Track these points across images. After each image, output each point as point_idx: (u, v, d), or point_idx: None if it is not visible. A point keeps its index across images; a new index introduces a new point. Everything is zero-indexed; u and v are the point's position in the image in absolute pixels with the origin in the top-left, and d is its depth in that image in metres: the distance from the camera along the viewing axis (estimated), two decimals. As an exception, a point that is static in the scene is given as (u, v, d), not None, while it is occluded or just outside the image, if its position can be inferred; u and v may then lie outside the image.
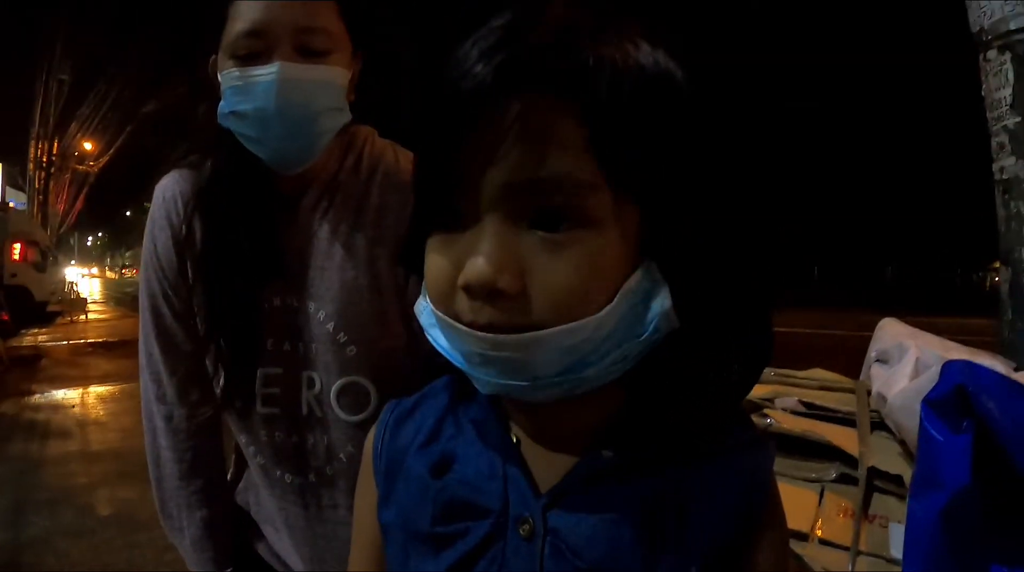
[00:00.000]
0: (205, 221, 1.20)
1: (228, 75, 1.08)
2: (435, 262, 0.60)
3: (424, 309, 0.64)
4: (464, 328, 0.57)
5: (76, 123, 26.74)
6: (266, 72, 1.05)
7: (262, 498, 1.33)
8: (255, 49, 1.06)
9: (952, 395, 1.18)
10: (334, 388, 1.19)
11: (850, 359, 2.15)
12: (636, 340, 0.58)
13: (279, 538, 1.33)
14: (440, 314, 0.60)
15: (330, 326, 1.18)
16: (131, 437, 6.25)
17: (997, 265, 2.32)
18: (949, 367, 1.23)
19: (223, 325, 1.20)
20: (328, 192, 1.21)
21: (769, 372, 1.97)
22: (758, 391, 1.87)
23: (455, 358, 0.61)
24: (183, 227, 1.21)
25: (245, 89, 1.07)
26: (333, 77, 1.11)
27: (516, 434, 0.68)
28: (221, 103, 1.11)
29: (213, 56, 1.14)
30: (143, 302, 1.26)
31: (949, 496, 1.16)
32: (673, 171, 0.58)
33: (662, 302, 0.58)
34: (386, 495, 0.74)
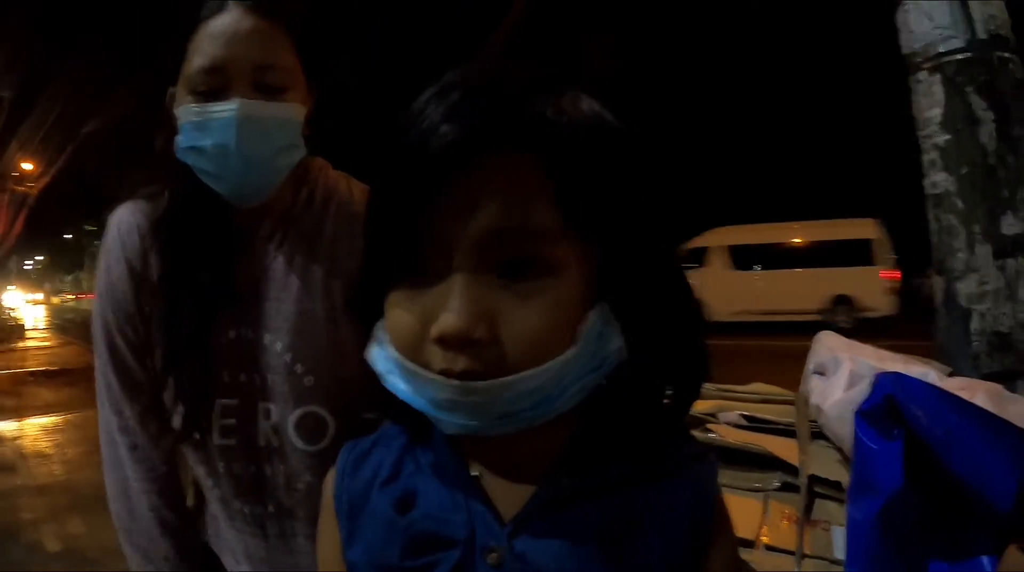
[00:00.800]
0: (162, 253, 1.20)
1: (187, 110, 1.09)
2: (401, 314, 0.62)
3: (381, 356, 0.65)
4: (437, 377, 0.59)
5: (16, 142, 25.97)
6: (225, 109, 1.06)
7: (221, 529, 1.32)
8: (214, 85, 1.08)
9: (883, 405, 1.24)
10: (291, 418, 1.20)
11: (796, 368, 2.22)
12: (594, 373, 0.63)
13: (240, 569, 1.33)
14: (407, 363, 0.61)
15: (287, 357, 1.19)
16: (77, 469, 6.09)
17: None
18: (880, 379, 1.29)
19: (179, 357, 1.20)
20: (283, 224, 1.22)
21: (711, 388, 2.03)
22: (701, 406, 1.92)
23: (418, 403, 0.62)
24: (139, 259, 1.21)
25: (204, 125, 1.08)
26: (291, 114, 1.12)
27: (476, 469, 0.70)
28: (179, 137, 1.12)
29: (171, 89, 1.15)
30: (97, 333, 1.25)
31: (884, 500, 1.22)
32: (626, 215, 0.62)
33: (616, 339, 0.63)
34: (350, 534, 0.75)
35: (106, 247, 1.24)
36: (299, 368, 1.19)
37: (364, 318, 0.69)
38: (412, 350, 0.61)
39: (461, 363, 0.58)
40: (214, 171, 1.11)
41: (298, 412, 1.19)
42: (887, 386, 1.25)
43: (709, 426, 1.78)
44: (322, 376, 1.19)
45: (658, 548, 0.66)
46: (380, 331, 0.66)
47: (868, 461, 1.25)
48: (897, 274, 15.61)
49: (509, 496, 0.68)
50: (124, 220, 1.24)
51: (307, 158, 1.23)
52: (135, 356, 1.25)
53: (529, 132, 0.58)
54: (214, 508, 1.31)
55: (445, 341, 0.57)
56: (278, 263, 1.21)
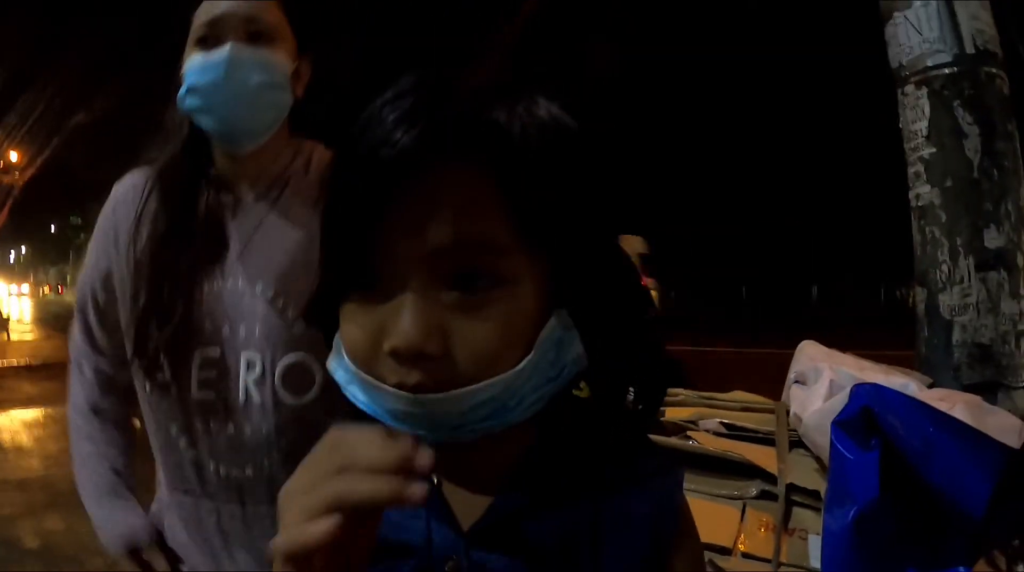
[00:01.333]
0: (160, 201, 1.27)
1: (190, 60, 1.22)
2: (355, 328, 0.60)
3: (339, 366, 0.64)
4: (391, 389, 0.58)
5: (2, 132, 25.75)
6: (220, 51, 1.20)
7: (185, 508, 1.31)
8: (211, 35, 1.21)
9: (859, 416, 1.25)
10: (279, 367, 1.22)
11: (776, 378, 2.22)
12: (552, 383, 0.62)
13: (204, 550, 1.31)
14: (363, 375, 0.60)
15: (279, 303, 1.22)
16: (56, 465, 5.99)
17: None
18: (857, 390, 1.31)
19: (163, 305, 1.23)
20: (276, 185, 1.29)
21: (692, 395, 2.03)
22: (682, 413, 1.93)
23: (376, 413, 0.61)
24: (126, 226, 1.28)
25: (203, 67, 1.20)
26: (274, 59, 1.24)
27: (435, 475, 0.69)
28: (183, 89, 1.22)
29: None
30: (77, 292, 1.35)
31: (860, 508, 1.23)
32: (578, 224, 0.62)
33: (575, 347, 0.63)
34: None
35: (103, 211, 1.33)
36: (291, 313, 1.22)
37: (321, 328, 0.68)
38: (367, 362, 0.59)
39: (414, 377, 0.57)
40: (206, 105, 1.21)
41: (286, 360, 1.22)
42: (864, 397, 1.26)
43: (689, 433, 1.79)
44: None
45: (619, 559, 0.66)
46: (338, 341, 0.64)
47: (844, 471, 1.26)
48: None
49: (468, 505, 0.66)
50: (124, 183, 1.33)
51: (302, 139, 1.34)
52: (100, 320, 1.34)
53: (481, 140, 0.57)
54: (190, 477, 1.28)
55: (398, 355, 0.56)
56: (271, 218, 1.27)
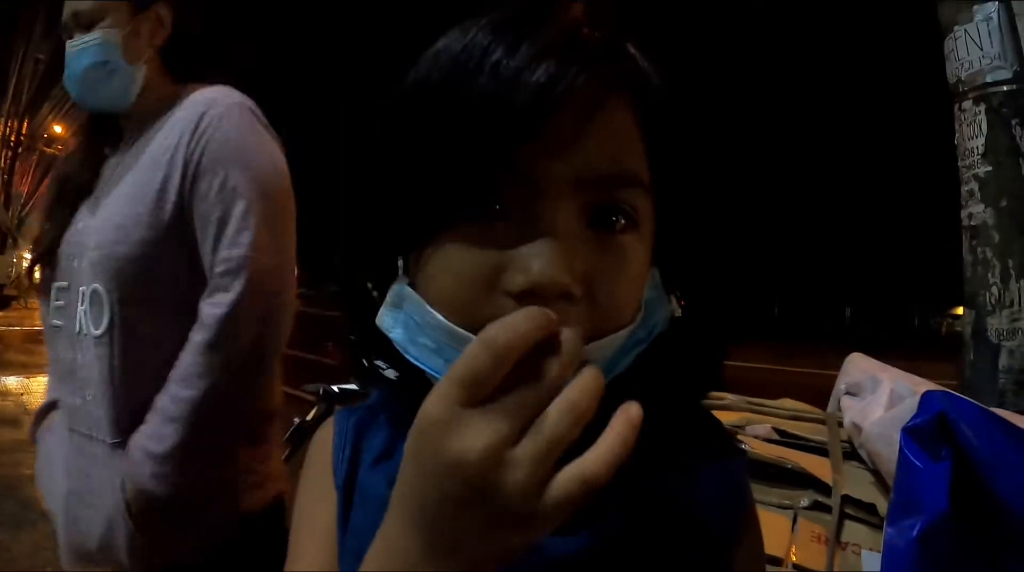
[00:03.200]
0: (72, 152, 1.53)
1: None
2: (456, 267, 0.53)
3: (401, 320, 0.58)
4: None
5: (49, 104, 26.13)
6: (70, 44, 1.43)
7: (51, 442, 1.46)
8: (65, 33, 1.44)
9: (932, 423, 1.20)
10: (85, 296, 1.34)
11: (807, 396, 2.18)
12: (642, 344, 0.58)
13: (48, 471, 1.45)
14: (457, 329, 0.53)
15: (98, 237, 1.34)
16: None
17: (956, 311, 2.39)
18: (929, 397, 1.25)
19: (39, 240, 1.45)
20: (151, 131, 1.43)
21: (739, 399, 1.99)
22: (729, 417, 1.88)
23: (463, 340, 0.54)
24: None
25: (67, 58, 1.43)
26: (96, 41, 1.41)
27: None
28: None
29: None
30: None
31: (927, 522, 1.18)
32: (696, 175, 0.59)
33: (665, 308, 0.60)
34: (341, 515, 0.67)
35: None
36: (95, 242, 1.34)
37: (365, 277, 0.64)
38: (469, 309, 0.52)
39: (561, 322, 0.49)
40: (70, 90, 1.44)
41: (87, 289, 1.33)
42: (938, 403, 1.21)
43: (740, 437, 1.74)
44: (105, 251, 1.32)
45: (686, 538, 0.62)
46: (397, 292, 0.59)
47: (912, 480, 1.21)
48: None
49: None
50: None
51: (185, 85, 1.47)
52: None
53: (624, 78, 0.55)
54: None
55: (535, 293, 0.50)
56: (126, 160, 1.43)
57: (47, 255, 1.42)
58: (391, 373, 0.65)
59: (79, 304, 1.33)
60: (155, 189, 1.31)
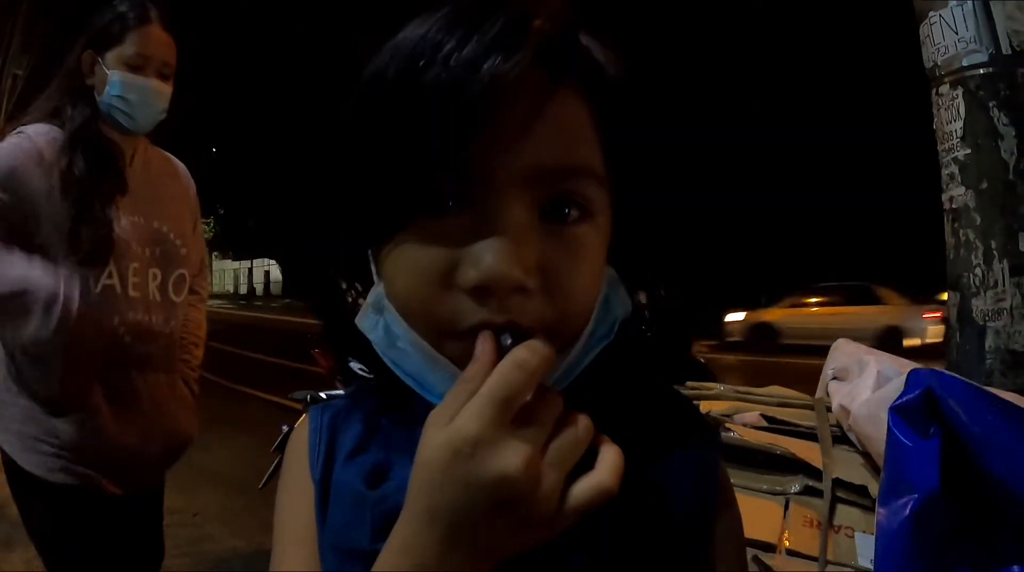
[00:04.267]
0: (84, 157, 1.71)
1: (120, 75, 1.74)
2: (414, 264, 0.53)
3: (381, 323, 0.57)
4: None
5: (28, 119, 26.04)
6: (146, 81, 1.77)
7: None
8: (140, 64, 1.76)
9: (920, 400, 1.20)
10: (172, 277, 1.89)
11: (795, 384, 2.18)
12: (604, 339, 0.58)
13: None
14: (425, 346, 0.54)
15: (171, 234, 1.91)
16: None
17: (940, 297, 2.39)
18: (915, 374, 1.25)
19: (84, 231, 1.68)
20: (145, 154, 1.91)
21: (728, 389, 1.98)
22: (717, 407, 1.88)
23: (431, 380, 0.56)
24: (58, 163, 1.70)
25: (132, 86, 1.75)
26: (168, 92, 1.83)
27: None
28: (109, 88, 1.75)
29: (90, 53, 1.76)
30: None
31: (919, 501, 1.17)
32: (652, 164, 0.60)
33: (624, 302, 0.60)
34: (319, 512, 0.67)
35: (28, 154, 1.69)
36: (178, 240, 1.89)
37: (336, 274, 0.64)
38: (429, 304, 0.53)
39: (504, 315, 0.51)
40: (127, 111, 1.76)
41: (176, 273, 1.87)
42: (924, 380, 1.20)
43: (728, 426, 1.73)
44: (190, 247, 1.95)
45: (660, 522, 0.62)
46: (378, 294, 0.58)
47: (902, 460, 1.20)
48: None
49: None
50: (42, 134, 1.73)
51: None
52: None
53: (576, 68, 0.54)
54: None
55: (487, 289, 0.50)
56: (149, 174, 1.88)
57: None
58: (364, 372, 0.67)
59: (150, 281, 1.82)
60: None
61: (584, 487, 0.48)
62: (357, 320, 0.59)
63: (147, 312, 1.77)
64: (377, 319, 0.58)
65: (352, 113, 0.56)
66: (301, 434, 0.72)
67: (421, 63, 0.51)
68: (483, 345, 0.51)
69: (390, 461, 0.64)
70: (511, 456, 0.46)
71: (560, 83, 0.53)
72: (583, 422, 0.50)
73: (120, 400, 1.74)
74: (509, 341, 0.50)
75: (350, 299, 0.65)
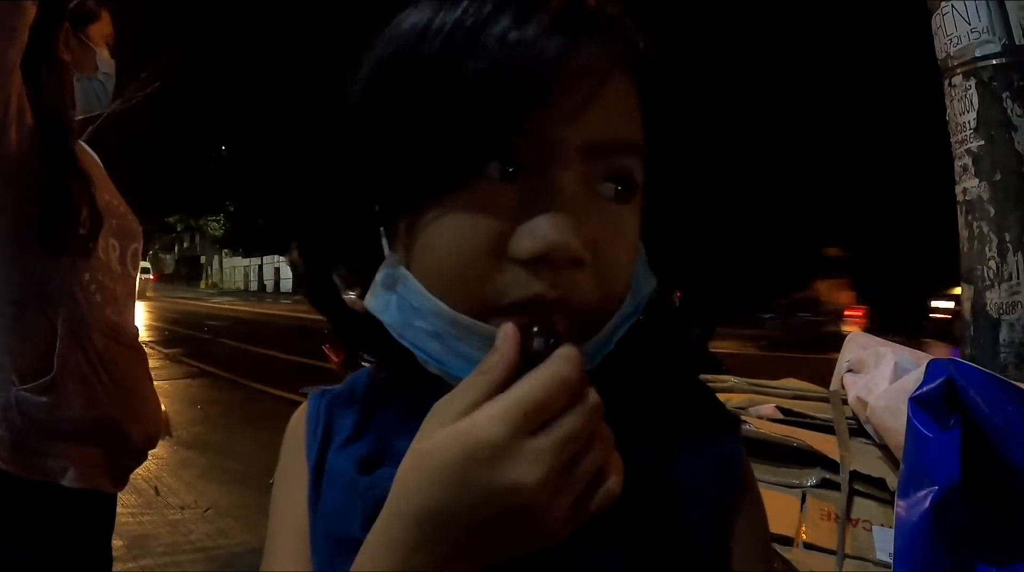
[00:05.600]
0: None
1: (102, 52, 1.73)
2: (465, 226, 0.51)
3: (392, 301, 0.56)
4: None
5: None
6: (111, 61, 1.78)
7: None
8: (110, 43, 1.77)
9: (940, 391, 1.19)
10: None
11: (808, 380, 2.17)
12: (630, 319, 0.58)
13: None
14: (461, 317, 0.52)
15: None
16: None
17: (954, 291, 2.38)
18: (935, 364, 1.24)
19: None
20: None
21: (742, 381, 1.98)
22: (732, 399, 1.87)
23: (453, 353, 0.54)
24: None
25: (110, 64, 1.76)
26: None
27: None
28: (100, 65, 1.74)
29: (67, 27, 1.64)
30: None
31: (939, 493, 1.16)
32: (689, 147, 0.61)
33: (651, 282, 0.59)
34: (312, 499, 0.65)
35: None
36: (130, 216, 1.81)
37: (340, 253, 0.62)
38: (476, 274, 0.51)
39: (556, 290, 0.50)
40: (107, 92, 1.78)
41: (132, 246, 1.78)
42: (944, 370, 1.19)
43: (744, 418, 1.72)
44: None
45: (679, 513, 0.61)
46: (390, 270, 0.56)
47: (922, 451, 1.19)
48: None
49: None
50: None
51: None
52: None
53: (625, 47, 0.55)
54: None
55: (543, 260, 0.49)
56: (86, 151, 1.75)
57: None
58: (371, 360, 0.66)
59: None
60: None
61: (592, 499, 0.47)
62: (366, 301, 0.58)
63: (112, 282, 1.65)
64: (389, 297, 0.56)
65: (406, 72, 0.54)
66: (299, 420, 0.71)
67: (485, 35, 0.51)
68: (505, 336, 0.49)
69: (385, 448, 0.63)
70: (528, 468, 0.44)
71: (613, 62, 0.53)
72: (607, 438, 0.47)
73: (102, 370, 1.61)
74: (542, 342, 0.48)
75: (354, 288, 0.64)
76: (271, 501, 0.69)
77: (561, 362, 0.46)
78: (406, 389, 0.63)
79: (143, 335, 1.87)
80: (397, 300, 0.55)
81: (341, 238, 0.62)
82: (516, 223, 0.51)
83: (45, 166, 1.45)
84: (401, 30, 0.55)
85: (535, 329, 0.49)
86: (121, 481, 1.69)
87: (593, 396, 0.46)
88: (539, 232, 0.49)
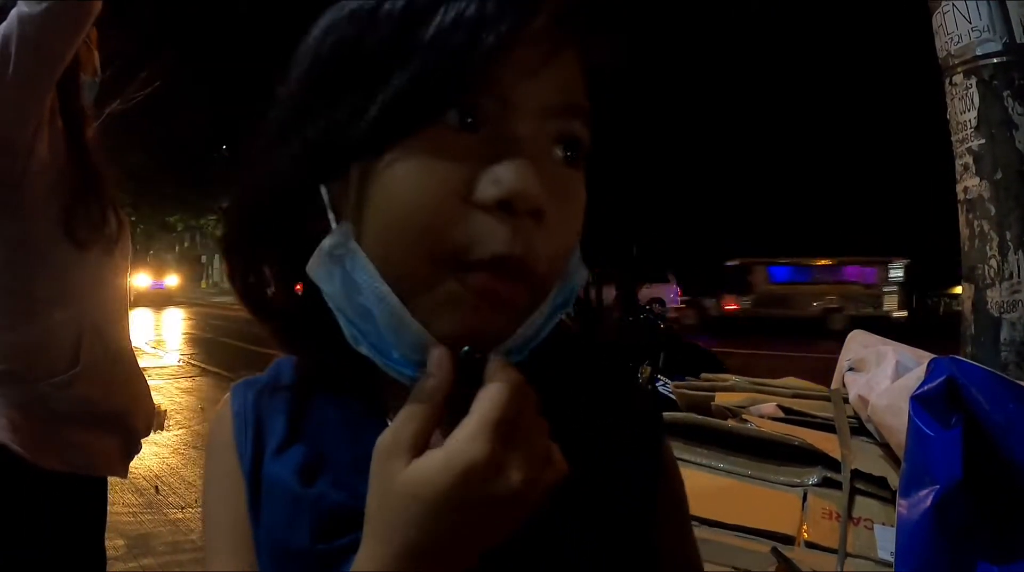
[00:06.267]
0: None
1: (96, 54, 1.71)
2: (426, 173, 0.50)
3: (336, 274, 0.53)
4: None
5: None
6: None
7: None
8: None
9: (941, 389, 1.18)
10: None
11: (806, 379, 2.17)
12: (561, 310, 0.58)
13: None
14: (399, 305, 0.51)
15: None
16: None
17: (953, 290, 2.38)
18: (936, 363, 1.23)
19: None
20: None
21: (743, 380, 1.98)
22: (733, 398, 1.87)
23: (393, 337, 0.52)
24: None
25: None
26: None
27: None
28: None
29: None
30: None
31: (941, 491, 1.16)
32: (622, 129, 0.64)
33: (582, 276, 0.59)
34: (251, 506, 0.62)
35: None
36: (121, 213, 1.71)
37: (275, 214, 0.57)
38: (440, 224, 0.50)
39: (521, 243, 0.49)
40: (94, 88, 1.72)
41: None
42: (945, 369, 1.19)
43: (745, 417, 1.72)
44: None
45: (598, 506, 0.62)
46: (338, 238, 0.53)
47: (924, 450, 1.19)
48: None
49: None
50: None
51: None
52: None
53: (579, 15, 0.56)
54: None
55: (510, 205, 0.49)
56: None
57: None
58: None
59: None
60: None
61: (547, 480, 0.49)
62: (309, 267, 0.54)
63: (122, 280, 1.72)
64: (333, 269, 0.54)
65: (368, 24, 0.53)
66: (224, 418, 0.66)
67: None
68: (440, 362, 0.50)
69: (323, 453, 0.60)
70: (514, 476, 0.46)
71: (567, 33, 0.54)
72: (544, 425, 0.50)
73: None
74: (470, 359, 0.50)
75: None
76: (204, 511, 0.66)
77: (502, 373, 0.49)
78: (335, 382, 0.62)
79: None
80: (341, 273, 0.53)
81: (282, 204, 0.57)
82: (478, 170, 0.50)
83: (75, 168, 1.52)
84: (342, 16, 0.55)
85: (464, 350, 0.51)
86: (126, 469, 1.74)
87: (532, 392, 0.49)
88: (504, 177, 0.49)
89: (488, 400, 0.47)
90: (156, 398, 1.86)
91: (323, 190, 0.55)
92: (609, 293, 0.72)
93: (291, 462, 0.60)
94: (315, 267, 0.54)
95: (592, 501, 0.61)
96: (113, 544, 3.68)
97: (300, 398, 0.64)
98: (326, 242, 0.53)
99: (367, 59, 0.52)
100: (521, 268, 0.50)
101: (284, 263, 0.59)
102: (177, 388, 9.04)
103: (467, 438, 0.46)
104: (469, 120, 0.51)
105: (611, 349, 0.75)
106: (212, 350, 13.36)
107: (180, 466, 5.39)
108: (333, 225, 0.54)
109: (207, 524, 0.65)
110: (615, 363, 0.72)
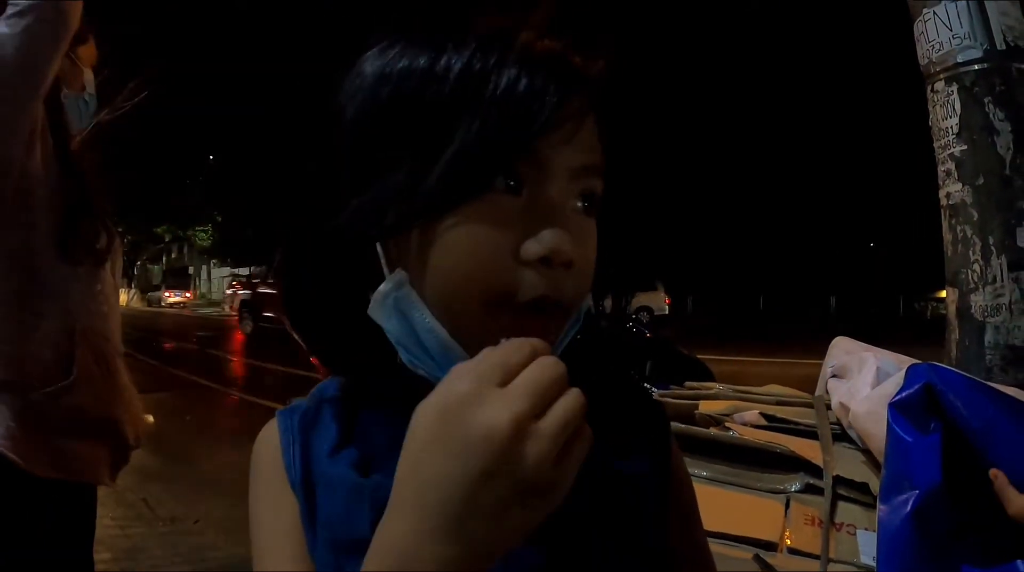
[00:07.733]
0: None
1: (88, 73, 1.74)
2: (481, 234, 0.60)
3: (398, 318, 0.62)
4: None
5: None
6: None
7: None
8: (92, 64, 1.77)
9: (919, 395, 1.19)
10: None
11: (797, 386, 2.17)
12: (575, 327, 0.66)
13: None
14: (449, 338, 0.60)
15: None
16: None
17: (939, 294, 2.39)
18: (914, 369, 1.24)
19: None
20: None
21: (727, 388, 1.98)
22: (716, 406, 1.88)
23: (452, 349, 0.61)
24: None
25: (92, 84, 1.76)
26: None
27: None
28: (88, 86, 1.76)
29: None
30: None
31: (921, 496, 1.16)
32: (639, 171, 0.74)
33: (588, 297, 0.68)
34: (305, 512, 0.66)
35: None
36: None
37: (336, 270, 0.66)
38: (493, 274, 0.59)
39: (556, 287, 0.59)
40: (88, 111, 1.73)
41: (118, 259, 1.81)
42: (923, 375, 1.20)
43: (727, 424, 1.73)
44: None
45: (615, 505, 0.67)
46: (398, 291, 0.62)
47: (903, 455, 1.20)
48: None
49: None
50: None
51: None
52: None
53: (594, 86, 0.64)
54: None
55: (547, 260, 0.59)
56: None
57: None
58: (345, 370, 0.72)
59: None
60: None
61: (572, 451, 0.48)
62: (371, 311, 0.63)
63: (112, 292, 1.76)
64: (391, 311, 0.62)
65: (418, 107, 0.61)
66: (270, 440, 0.72)
67: (493, 77, 0.60)
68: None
69: (374, 452, 0.65)
70: (499, 410, 0.46)
71: (589, 99, 0.63)
72: (582, 399, 0.49)
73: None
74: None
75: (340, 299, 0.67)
76: (252, 530, 0.69)
77: (525, 339, 0.51)
78: (387, 395, 0.67)
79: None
80: (399, 314, 0.62)
81: (339, 257, 0.65)
82: (523, 233, 0.60)
83: (66, 183, 1.57)
84: (396, 70, 0.63)
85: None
86: (115, 477, 1.77)
87: (554, 359, 0.50)
88: (543, 239, 0.59)
89: (500, 347, 0.51)
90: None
91: (379, 247, 0.64)
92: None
93: (347, 459, 0.66)
94: (376, 309, 0.63)
95: (605, 507, 0.66)
96: (100, 557, 3.67)
97: (348, 411, 0.70)
98: (384, 287, 0.63)
99: (428, 115, 0.60)
100: (557, 305, 0.60)
101: (336, 300, 0.68)
102: (164, 399, 8.98)
103: (456, 374, 0.49)
104: (512, 183, 0.61)
105: (615, 357, 0.80)
106: (199, 361, 13.29)
107: (169, 479, 5.36)
108: (386, 272, 0.63)
109: (255, 538, 0.69)
110: (623, 371, 0.79)
